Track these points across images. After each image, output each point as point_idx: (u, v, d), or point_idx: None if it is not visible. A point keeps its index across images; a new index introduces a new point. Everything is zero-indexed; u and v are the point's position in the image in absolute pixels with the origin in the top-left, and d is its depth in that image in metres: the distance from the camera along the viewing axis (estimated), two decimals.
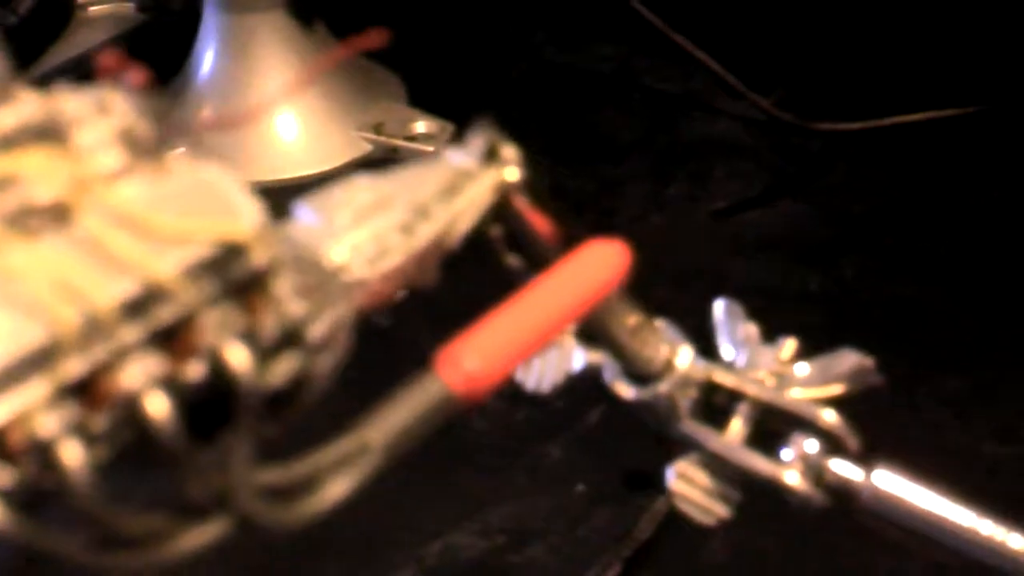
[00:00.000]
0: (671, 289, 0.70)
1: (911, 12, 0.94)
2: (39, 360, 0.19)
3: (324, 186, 0.27)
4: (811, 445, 0.39)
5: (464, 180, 0.30)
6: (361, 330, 0.26)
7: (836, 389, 0.41)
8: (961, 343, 0.71)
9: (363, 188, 0.28)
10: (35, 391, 0.19)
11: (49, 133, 0.21)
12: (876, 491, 0.39)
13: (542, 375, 0.41)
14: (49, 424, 0.19)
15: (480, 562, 0.59)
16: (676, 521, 0.59)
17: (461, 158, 0.31)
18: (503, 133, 0.31)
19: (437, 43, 0.99)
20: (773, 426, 0.40)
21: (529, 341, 0.29)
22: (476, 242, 0.32)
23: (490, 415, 0.65)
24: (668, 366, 0.39)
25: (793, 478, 0.39)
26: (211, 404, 0.21)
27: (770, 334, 0.44)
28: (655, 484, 0.61)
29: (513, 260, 0.33)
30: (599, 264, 0.31)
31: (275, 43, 0.87)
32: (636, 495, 0.61)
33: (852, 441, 0.39)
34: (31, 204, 0.20)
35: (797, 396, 0.41)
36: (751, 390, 0.40)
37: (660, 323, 0.40)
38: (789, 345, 0.43)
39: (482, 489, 0.62)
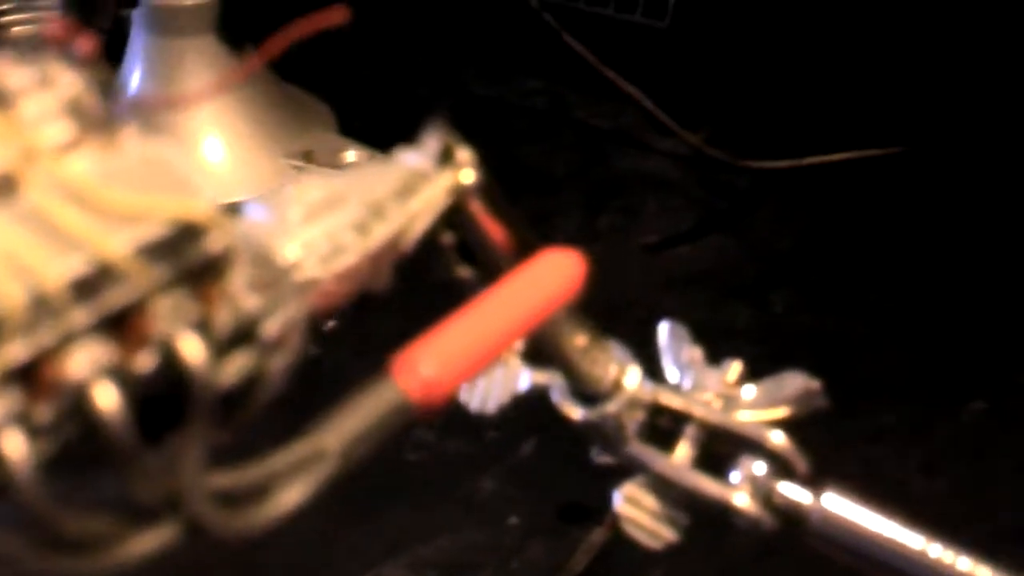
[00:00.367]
0: (603, 320, 0.69)
1: (836, 55, 0.95)
2: None
3: None
4: (759, 467, 0.38)
5: (419, 181, 0.29)
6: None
7: (782, 411, 0.41)
8: (888, 377, 0.72)
9: (315, 186, 0.27)
10: None
11: None
12: (825, 514, 0.38)
13: (487, 395, 0.40)
14: None
15: None
16: (611, 554, 0.58)
17: (415, 159, 0.30)
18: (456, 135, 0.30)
19: (368, 74, 0.98)
20: (720, 448, 0.40)
21: (486, 348, 0.28)
22: (427, 250, 0.31)
23: (422, 447, 0.64)
24: (616, 386, 0.38)
25: (742, 500, 0.38)
26: (160, 403, 0.20)
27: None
28: (590, 516, 0.61)
29: (463, 270, 0.32)
30: (556, 273, 0.31)
31: (203, 67, 0.86)
32: (571, 527, 0.60)
33: (801, 464, 0.39)
34: None
35: (744, 418, 0.40)
36: (698, 412, 0.40)
37: (609, 343, 0.39)
38: (735, 368, 0.42)
39: (413, 522, 0.60)
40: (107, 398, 0.19)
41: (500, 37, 1.03)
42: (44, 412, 0.18)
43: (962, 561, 0.38)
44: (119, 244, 0.19)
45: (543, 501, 0.61)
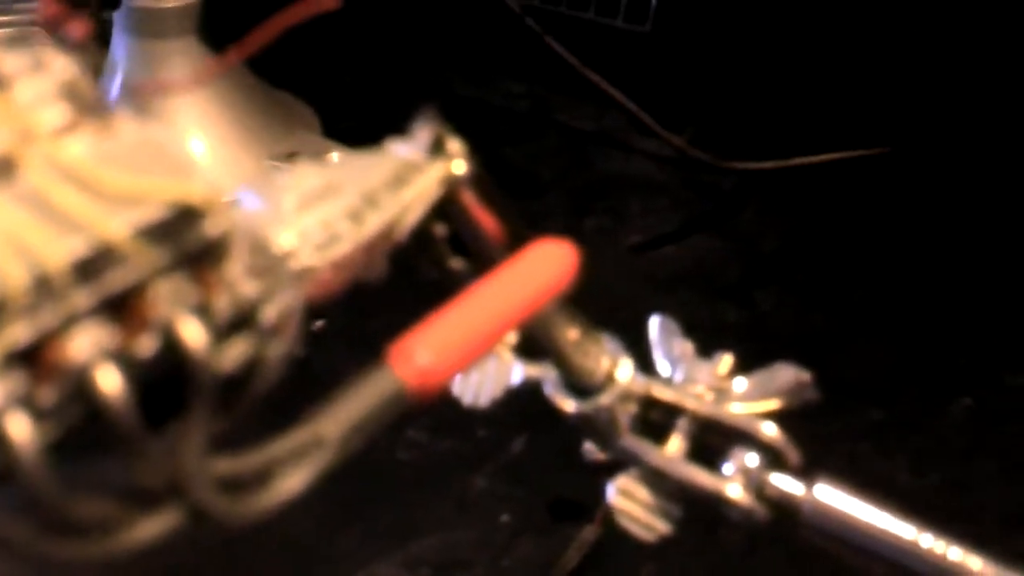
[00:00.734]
0: (591, 320, 0.69)
1: (819, 57, 0.96)
2: None
3: None
4: (752, 459, 0.38)
5: (411, 172, 0.29)
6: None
7: (774, 403, 0.41)
8: (874, 375, 0.72)
9: (309, 175, 0.27)
10: None
11: None
12: (817, 504, 0.38)
13: (480, 389, 0.40)
14: None
15: None
16: (603, 550, 0.58)
17: (407, 150, 0.30)
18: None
19: (352, 77, 0.98)
20: (713, 441, 0.40)
21: (481, 337, 0.28)
22: (417, 244, 0.31)
23: (414, 446, 0.64)
24: (609, 379, 0.39)
25: (735, 491, 0.38)
26: (162, 389, 0.20)
27: None
28: (581, 513, 0.61)
29: (455, 262, 0.32)
30: (548, 263, 0.31)
31: (185, 69, 0.85)
32: (562, 524, 0.60)
33: (793, 455, 0.39)
34: None
35: (736, 410, 0.40)
36: (691, 405, 0.40)
37: (602, 336, 0.39)
38: (726, 360, 0.42)
39: (406, 520, 0.60)
40: (110, 381, 0.19)
41: (482, 41, 1.03)
42: (47, 395, 0.18)
43: (953, 551, 0.38)
44: (119, 226, 0.19)
45: (534, 498, 0.62)
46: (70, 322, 0.18)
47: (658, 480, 0.39)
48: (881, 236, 0.84)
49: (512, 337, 0.39)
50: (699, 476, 0.38)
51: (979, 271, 0.80)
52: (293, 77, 0.91)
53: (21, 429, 0.17)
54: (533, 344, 0.38)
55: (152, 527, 0.19)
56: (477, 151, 0.32)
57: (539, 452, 0.64)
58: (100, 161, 0.19)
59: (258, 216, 0.24)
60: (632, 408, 0.39)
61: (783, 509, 0.38)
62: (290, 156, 0.86)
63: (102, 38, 0.88)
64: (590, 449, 0.41)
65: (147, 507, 0.20)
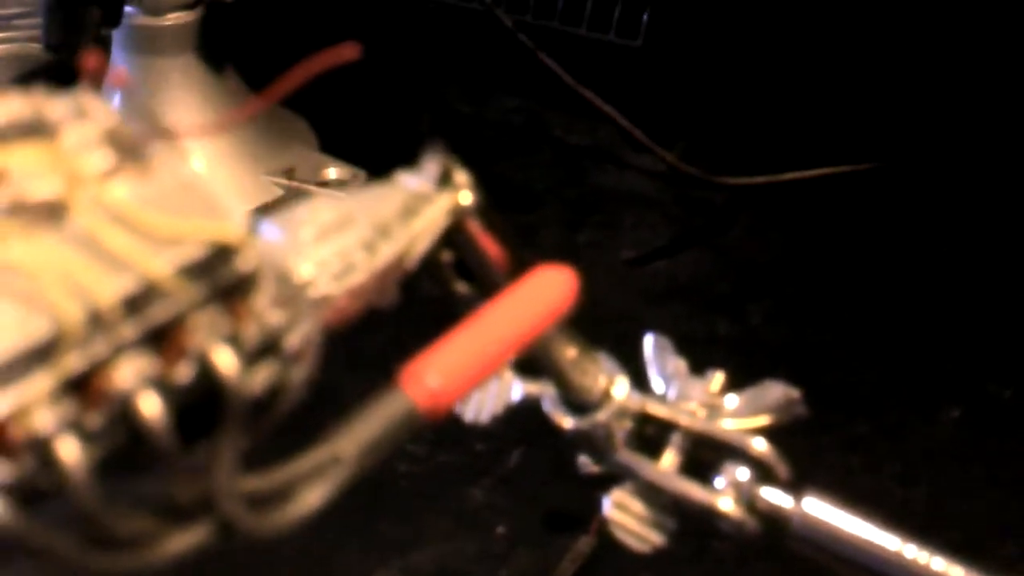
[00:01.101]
0: (585, 334, 0.71)
1: (809, 73, 0.97)
2: (42, 354, 0.19)
3: None
4: (743, 473, 0.40)
5: (421, 203, 0.30)
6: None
7: (764, 419, 0.42)
8: (864, 387, 0.73)
9: (325, 207, 0.28)
10: (37, 385, 0.19)
11: (37, 131, 0.21)
12: (806, 517, 0.39)
13: (481, 407, 0.41)
14: (48, 419, 0.19)
15: None
16: (597, 562, 0.60)
17: (416, 182, 0.31)
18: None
19: (348, 92, 0.99)
20: (705, 456, 0.41)
21: (487, 360, 0.29)
22: (427, 266, 0.32)
23: (411, 458, 0.65)
24: (606, 396, 0.40)
25: (727, 505, 0.39)
26: (196, 411, 0.21)
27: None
28: (576, 525, 0.62)
29: (460, 286, 0.34)
30: (550, 288, 0.32)
31: (184, 86, 0.86)
32: (558, 536, 0.61)
33: (782, 469, 0.40)
34: (25, 200, 0.20)
35: (728, 426, 0.42)
36: (684, 421, 0.41)
37: (598, 354, 0.40)
38: (718, 378, 0.44)
39: (404, 532, 0.61)
40: (151, 407, 0.20)
41: (477, 57, 1.04)
42: (94, 420, 0.20)
43: (936, 561, 0.39)
44: (162, 264, 0.20)
45: (530, 510, 0.62)
46: (117, 353, 0.20)
47: (652, 493, 0.40)
48: (870, 250, 0.85)
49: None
50: (692, 490, 0.40)
51: (966, 284, 0.81)
52: (292, 91, 0.92)
53: (71, 452, 0.19)
54: (532, 362, 0.39)
55: (185, 540, 0.21)
56: (472, 166, 0.33)
57: (535, 465, 0.65)
58: (142, 203, 0.21)
59: (280, 248, 0.26)
60: (627, 424, 0.41)
61: (773, 521, 0.39)
62: (288, 171, 0.87)
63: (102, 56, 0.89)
64: (585, 462, 0.42)
65: (180, 521, 0.21)
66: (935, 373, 0.74)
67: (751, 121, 0.96)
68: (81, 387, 0.19)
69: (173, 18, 0.87)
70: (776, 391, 0.43)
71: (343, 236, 0.28)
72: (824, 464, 0.67)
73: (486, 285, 0.33)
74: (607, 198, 0.91)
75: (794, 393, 0.43)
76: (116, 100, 0.87)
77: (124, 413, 0.20)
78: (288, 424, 0.26)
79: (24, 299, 0.19)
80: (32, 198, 0.20)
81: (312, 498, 0.23)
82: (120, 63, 0.87)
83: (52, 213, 0.20)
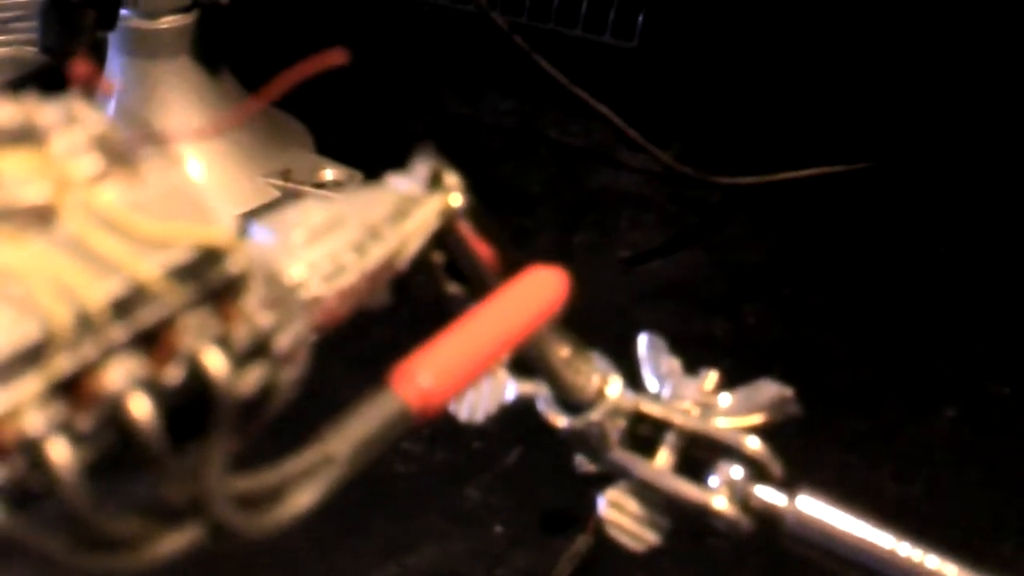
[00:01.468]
0: (580, 334, 0.71)
1: (803, 74, 0.97)
2: (32, 356, 0.19)
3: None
4: (736, 472, 0.40)
5: (411, 205, 0.30)
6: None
7: (758, 418, 0.42)
8: (860, 386, 0.73)
9: (316, 209, 0.28)
10: (27, 387, 0.19)
11: (26, 137, 0.21)
12: (800, 515, 0.40)
13: (475, 406, 0.41)
14: (38, 421, 0.19)
15: None
16: (594, 561, 0.60)
17: (406, 184, 0.31)
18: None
19: (344, 94, 1.00)
20: (699, 455, 0.41)
21: (479, 360, 0.29)
22: (419, 268, 0.32)
23: (408, 457, 0.65)
24: (600, 395, 0.40)
25: (721, 503, 0.39)
26: (186, 412, 0.21)
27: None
28: (573, 524, 0.62)
29: (452, 287, 0.34)
30: (542, 288, 0.32)
31: (179, 89, 0.87)
32: (555, 535, 0.61)
33: (776, 468, 0.40)
34: (15, 204, 0.20)
35: (721, 425, 0.42)
36: (678, 419, 0.41)
37: (592, 354, 0.40)
38: (711, 377, 0.44)
39: (400, 532, 0.62)
40: (141, 408, 0.20)
41: (472, 59, 1.04)
42: (85, 421, 0.20)
43: (930, 559, 0.39)
44: (151, 267, 0.21)
45: (527, 510, 0.63)
46: (106, 355, 0.20)
47: (647, 492, 0.40)
48: (865, 249, 0.85)
49: (506, 356, 0.40)
50: (686, 488, 0.40)
51: (962, 282, 0.82)
52: (286, 95, 0.92)
53: (61, 453, 0.19)
54: (526, 362, 0.39)
55: (176, 541, 0.21)
56: (467, 167, 0.33)
57: (532, 464, 0.65)
58: (131, 207, 0.21)
59: (270, 250, 0.26)
60: (622, 423, 0.41)
61: (767, 520, 0.40)
62: (284, 173, 0.87)
63: (97, 58, 0.89)
64: (581, 461, 0.43)
65: (171, 523, 0.21)
66: (931, 372, 0.74)
67: (746, 121, 0.96)
68: (71, 389, 0.20)
69: (169, 21, 0.87)
70: (770, 390, 0.43)
71: (334, 238, 0.28)
72: (821, 462, 0.67)
73: (477, 286, 0.33)
74: (603, 198, 0.91)
75: (787, 392, 0.43)
76: (111, 105, 0.87)
77: (114, 414, 0.20)
78: (282, 425, 0.26)
79: (14, 302, 0.19)
80: (21, 203, 0.20)
81: (304, 498, 0.23)
82: (116, 66, 0.88)
83: (41, 217, 0.20)
